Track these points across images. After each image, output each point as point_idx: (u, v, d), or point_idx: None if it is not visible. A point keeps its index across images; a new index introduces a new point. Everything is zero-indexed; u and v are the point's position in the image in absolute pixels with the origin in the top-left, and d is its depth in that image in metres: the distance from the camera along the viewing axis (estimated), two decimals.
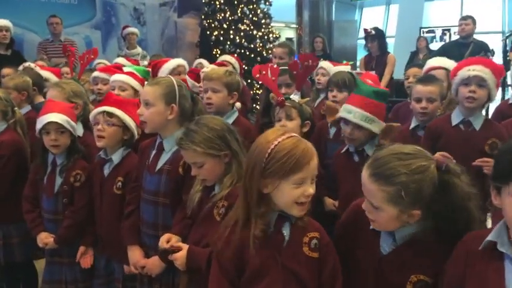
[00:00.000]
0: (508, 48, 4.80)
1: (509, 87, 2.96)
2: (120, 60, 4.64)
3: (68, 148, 2.46)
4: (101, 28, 7.91)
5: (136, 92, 3.15)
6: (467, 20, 5.35)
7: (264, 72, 2.65)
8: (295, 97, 2.59)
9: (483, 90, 2.41)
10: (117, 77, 3.23)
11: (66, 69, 4.78)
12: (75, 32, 7.20)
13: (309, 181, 1.48)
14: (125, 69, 3.59)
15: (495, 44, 6.44)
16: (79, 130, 2.66)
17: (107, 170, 2.39)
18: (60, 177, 2.44)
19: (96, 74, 3.67)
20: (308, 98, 2.84)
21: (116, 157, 2.37)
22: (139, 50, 6.55)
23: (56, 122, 2.38)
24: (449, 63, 2.96)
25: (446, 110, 2.74)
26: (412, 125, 2.76)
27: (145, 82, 3.29)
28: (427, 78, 2.78)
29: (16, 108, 2.90)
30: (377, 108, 2.20)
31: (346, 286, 1.54)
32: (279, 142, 1.47)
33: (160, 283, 2.14)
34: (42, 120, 2.38)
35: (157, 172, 2.11)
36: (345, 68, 3.09)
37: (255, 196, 1.49)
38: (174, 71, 3.71)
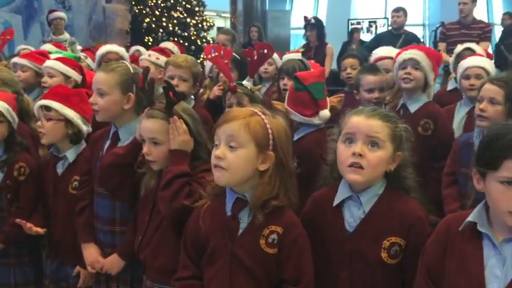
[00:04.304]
0: (437, 39, 5.06)
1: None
2: (48, 46, 4.33)
3: (5, 140, 2.25)
4: (21, 12, 7.35)
5: (67, 78, 2.96)
6: (399, 12, 5.58)
7: (216, 53, 2.56)
8: (248, 84, 2.54)
9: (418, 72, 2.57)
10: (49, 63, 3.02)
11: None
12: None
13: (222, 144, 1.44)
14: (54, 55, 3.36)
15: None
16: None
17: (60, 169, 2.24)
18: (1, 172, 2.23)
19: (15, 59, 3.37)
20: (260, 86, 2.80)
21: (71, 155, 2.21)
22: (66, 36, 6.14)
23: None
24: (396, 53, 3.04)
25: (395, 99, 2.83)
26: None
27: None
28: (374, 68, 2.86)
29: None
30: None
31: (322, 276, 1.50)
32: None
33: (118, 281, 2.03)
34: None
35: None
36: (296, 55, 3.06)
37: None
38: (104, 58, 3.53)
